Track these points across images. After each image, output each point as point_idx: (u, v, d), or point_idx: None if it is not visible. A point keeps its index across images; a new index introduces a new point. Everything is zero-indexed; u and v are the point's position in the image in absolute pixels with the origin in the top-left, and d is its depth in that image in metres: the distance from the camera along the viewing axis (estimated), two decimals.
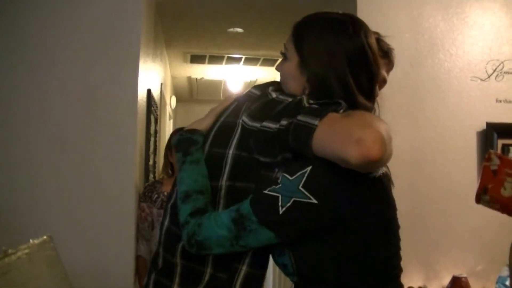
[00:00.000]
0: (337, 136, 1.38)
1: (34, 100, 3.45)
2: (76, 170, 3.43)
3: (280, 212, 1.40)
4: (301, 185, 1.41)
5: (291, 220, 1.42)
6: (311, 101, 1.54)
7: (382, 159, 1.34)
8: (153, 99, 4.44)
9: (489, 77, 3.78)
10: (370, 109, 1.60)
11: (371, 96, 1.59)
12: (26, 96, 3.45)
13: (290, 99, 1.58)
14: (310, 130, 1.41)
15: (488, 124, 3.71)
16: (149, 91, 4.26)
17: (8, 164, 3.41)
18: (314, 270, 1.53)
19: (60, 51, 3.50)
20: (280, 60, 1.74)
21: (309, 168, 1.42)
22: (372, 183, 1.51)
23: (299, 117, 1.45)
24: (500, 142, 3.77)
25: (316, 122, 1.41)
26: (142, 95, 3.82)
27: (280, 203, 1.41)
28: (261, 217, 1.43)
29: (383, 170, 1.55)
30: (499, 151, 3.75)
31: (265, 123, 1.53)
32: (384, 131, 1.36)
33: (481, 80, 3.82)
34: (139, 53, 3.60)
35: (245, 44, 6.36)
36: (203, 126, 1.72)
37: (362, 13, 3.83)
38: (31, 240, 1.10)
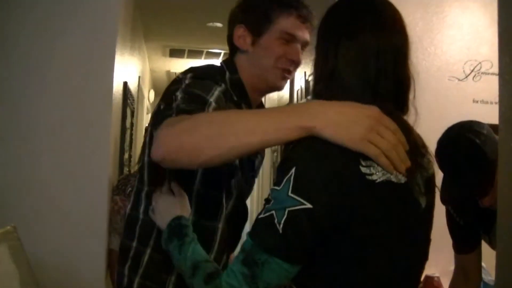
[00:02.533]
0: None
1: (6, 87, 3.41)
2: (49, 161, 3.38)
3: (280, 231, 1.26)
4: (290, 191, 1.27)
5: (294, 235, 1.26)
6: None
7: (165, 160, 1.45)
8: (130, 92, 4.41)
9: (466, 77, 3.79)
10: None
11: None
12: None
13: None
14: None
15: None
16: (125, 83, 4.23)
17: None
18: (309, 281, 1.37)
19: (35, 42, 3.46)
20: None
21: (293, 170, 1.28)
22: (370, 187, 1.30)
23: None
24: None
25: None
26: (118, 88, 3.79)
27: (276, 220, 1.27)
28: (264, 244, 1.28)
29: (387, 176, 1.32)
30: None
31: None
32: (192, 137, 1.38)
33: (459, 80, 3.83)
34: (116, 45, 3.56)
35: (225, 38, 6.32)
36: (185, 211, 1.74)
37: None
38: None
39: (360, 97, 1.37)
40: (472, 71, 3.80)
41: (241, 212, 2.06)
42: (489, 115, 3.84)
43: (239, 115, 1.49)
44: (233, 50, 2.04)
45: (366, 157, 1.30)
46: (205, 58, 7.22)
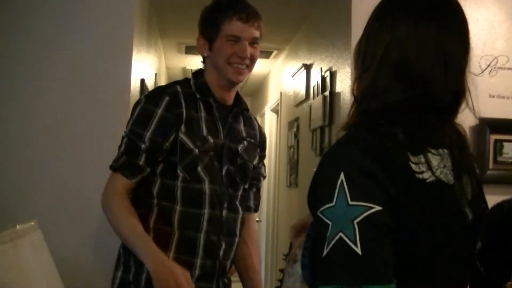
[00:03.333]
0: None
1: (25, 87, 3.45)
2: (67, 158, 3.42)
3: (360, 251, 1.05)
4: (349, 199, 1.08)
5: (379, 247, 1.08)
6: None
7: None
8: (147, 89, 4.43)
9: (482, 72, 3.78)
10: None
11: None
12: (15, 82, 3.44)
13: None
14: None
15: (480, 119, 3.72)
16: (142, 80, 4.26)
17: None
18: None
19: (52, 41, 3.49)
20: None
21: (341, 175, 1.11)
22: (420, 187, 1.18)
23: None
24: (493, 138, 3.78)
25: None
26: (135, 85, 3.82)
27: (348, 241, 1.06)
28: (352, 278, 1.06)
29: (437, 175, 1.20)
30: (491, 146, 3.76)
31: None
32: None
33: (475, 75, 3.80)
34: (132, 43, 3.59)
35: None
36: None
37: (356, 4, 3.82)
38: (17, 226, 1.09)
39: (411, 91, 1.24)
40: (488, 66, 3.79)
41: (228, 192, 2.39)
42: (506, 109, 3.86)
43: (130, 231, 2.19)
44: (203, 57, 2.47)
45: (415, 151, 1.18)
46: None
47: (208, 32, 2.37)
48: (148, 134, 2.23)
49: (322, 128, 4.61)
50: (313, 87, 4.99)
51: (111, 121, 3.42)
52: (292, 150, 6.08)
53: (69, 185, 3.42)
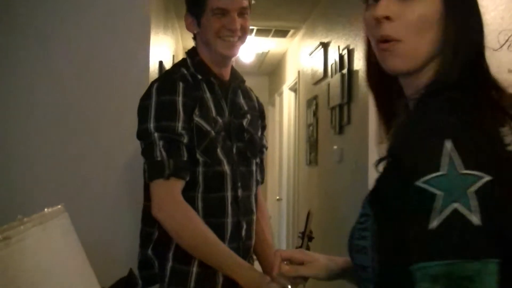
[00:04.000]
0: None
1: (44, 72, 3.48)
2: (86, 141, 3.47)
3: (476, 222, 0.97)
4: (461, 167, 0.99)
5: (498, 216, 1.00)
6: None
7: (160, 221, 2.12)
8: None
9: (501, 47, 3.75)
10: None
11: None
12: (35, 66, 3.47)
13: None
14: None
15: None
16: (161, 63, 4.28)
17: (17, 137, 3.44)
18: None
19: (70, 26, 3.52)
20: None
21: (448, 143, 1.02)
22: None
23: None
24: None
25: None
26: (154, 67, 3.84)
27: (466, 211, 0.98)
28: (468, 249, 0.98)
29: None
30: None
31: None
32: None
33: (494, 50, 3.79)
34: (150, 25, 3.60)
35: (257, 14, 6.34)
36: None
37: None
38: (45, 210, 1.12)
39: None
40: (507, 40, 3.76)
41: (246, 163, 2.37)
42: None
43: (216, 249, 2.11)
44: (193, 37, 2.38)
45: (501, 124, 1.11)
46: None
47: (195, 8, 2.29)
48: (180, 125, 2.11)
49: (340, 106, 4.61)
50: (331, 65, 4.98)
51: (131, 105, 3.41)
52: (311, 128, 6.08)
53: (92, 166, 3.46)
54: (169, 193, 2.10)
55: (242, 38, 2.28)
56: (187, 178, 2.12)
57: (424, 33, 1.20)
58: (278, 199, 8.78)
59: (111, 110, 3.49)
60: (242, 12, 2.25)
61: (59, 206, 1.14)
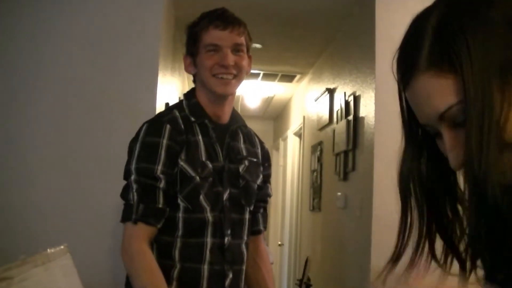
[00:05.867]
0: None
1: (48, 118, 3.51)
2: (91, 183, 3.48)
3: None
4: None
5: None
6: None
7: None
8: None
9: None
10: None
11: None
12: (44, 105, 3.49)
13: None
14: None
15: None
16: (167, 104, 4.29)
17: (18, 167, 3.44)
18: None
19: (78, 66, 3.55)
20: None
21: None
22: None
23: None
24: None
25: None
26: (160, 109, 3.85)
27: None
28: None
29: None
30: None
31: None
32: None
33: None
34: (158, 67, 3.63)
35: (264, 59, 6.39)
36: None
37: (380, 29, 3.84)
38: (48, 250, 1.11)
39: None
40: None
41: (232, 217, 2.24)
42: None
43: None
44: (193, 79, 2.34)
45: None
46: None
47: (191, 48, 2.25)
48: (159, 168, 2.06)
49: (346, 153, 4.61)
50: (337, 111, 5.00)
51: None
52: (315, 174, 6.07)
53: (95, 209, 3.45)
54: (135, 238, 2.05)
55: (237, 77, 2.22)
56: (158, 225, 2.07)
57: None
58: (280, 245, 8.74)
59: (116, 151, 3.48)
60: (236, 49, 2.20)
61: (62, 247, 1.13)
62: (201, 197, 2.12)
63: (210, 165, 2.16)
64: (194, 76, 2.31)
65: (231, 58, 2.16)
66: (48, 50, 3.55)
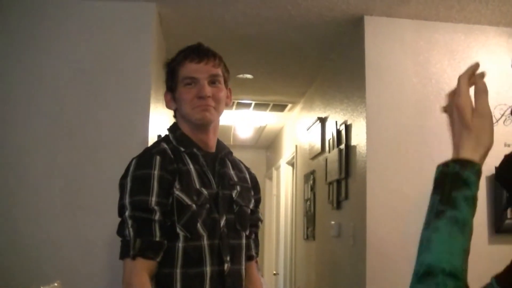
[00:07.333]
0: None
1: (49, 140, 3.52)
2: (82, 216, 3.47)
3: None
4: None
5: None
6: None
7: None
8: None
9: (497, 121, 3.78)
10: None
11: None
12: (34, 138, 3.49)
13: None
14: None
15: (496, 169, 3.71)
16: (159, 136, 4.29)
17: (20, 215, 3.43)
18: None
19: (73, 97, 3.57)
20: None
21: None
22: None
23: None
24: None
25: None
26: (152, 141, 3.85)
27: None
28: None
29: None
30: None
31: None
32: None
33: None
34: (150, 99, 3.65)
35: (255, 89, 6.42)
36: (481, 150, 1.10)
37: (370, 58, 3.86)
38: (41, 287, 1.10)
39: None
40: (503, 115, 3.80)
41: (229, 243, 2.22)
42: None
43: None
44: (174, 114, 2.37)
45: None
46: (236, 108, 7.27)
47: (170, 83, 2.30)
48: (153, 199, 2.05)
49: (338, 181, 4.61)
50: (329, 140, 5.01)
51: None
52: (308, 203, 6.07)
53: (89, 244, 3.43)
54: (136, 273, 2.02)
55: (216, 108, 2.25)
56: (157, 258, 2.05)
57: None
58: (274, 274, 8.68)
59: (111, 181, 3.48)
60: (212, 80, 2.23)
61: (56, 284, 1.13)
62: (199, 224, 2.11)
63: (205, 192, 2.16)
64: (174, 111, 2.35)
65: (208, 90, 2.20)
66: (39, 83, 3.57)
